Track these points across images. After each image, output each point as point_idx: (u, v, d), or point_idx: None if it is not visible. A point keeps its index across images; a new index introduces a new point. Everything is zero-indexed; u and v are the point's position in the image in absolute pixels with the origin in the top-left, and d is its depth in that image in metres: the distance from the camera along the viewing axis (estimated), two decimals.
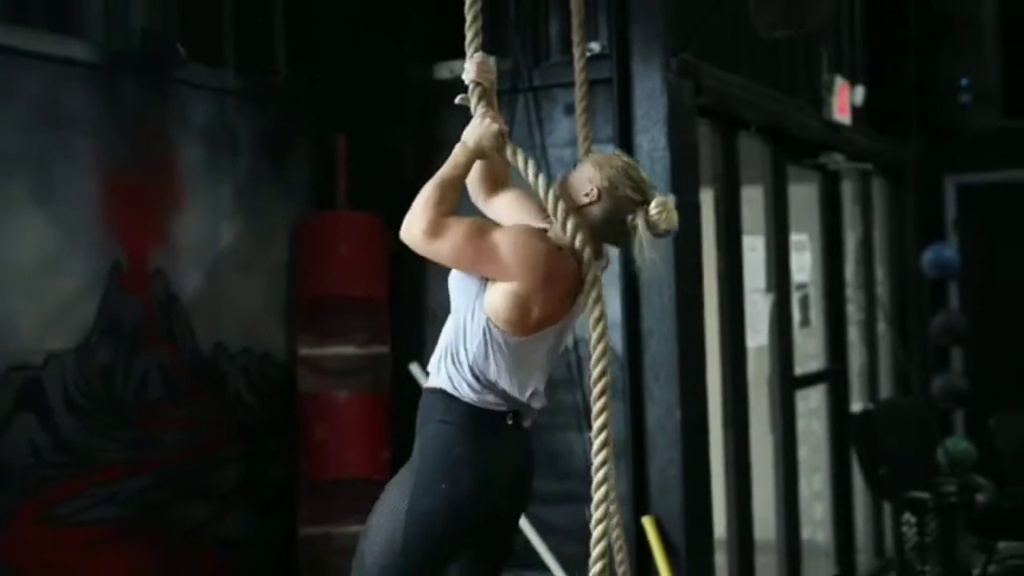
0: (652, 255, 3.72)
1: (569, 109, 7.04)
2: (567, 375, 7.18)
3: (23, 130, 5.87)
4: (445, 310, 3.91)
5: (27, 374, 5.81)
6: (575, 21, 5.83)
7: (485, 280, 3.63)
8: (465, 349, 3.66)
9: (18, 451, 5.75)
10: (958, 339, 11.64)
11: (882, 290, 11.22)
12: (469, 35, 4.15)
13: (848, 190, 10.51)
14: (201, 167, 6.87)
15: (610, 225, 3.74)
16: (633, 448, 6.86)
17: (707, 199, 7.71)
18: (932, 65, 11.75)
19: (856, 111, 9.93)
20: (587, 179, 3.75)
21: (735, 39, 7.70)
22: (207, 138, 6.91)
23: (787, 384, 8.73)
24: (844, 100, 9.52)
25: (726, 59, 7.62)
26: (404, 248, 7.35)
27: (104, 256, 6.26)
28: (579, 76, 5.79)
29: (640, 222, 3.70)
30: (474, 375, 3.66)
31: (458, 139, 3.90)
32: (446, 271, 3.95)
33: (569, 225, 3.68)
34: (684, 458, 6.82)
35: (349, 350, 7.19)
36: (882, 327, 11.09)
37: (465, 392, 3.67)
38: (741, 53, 7.94)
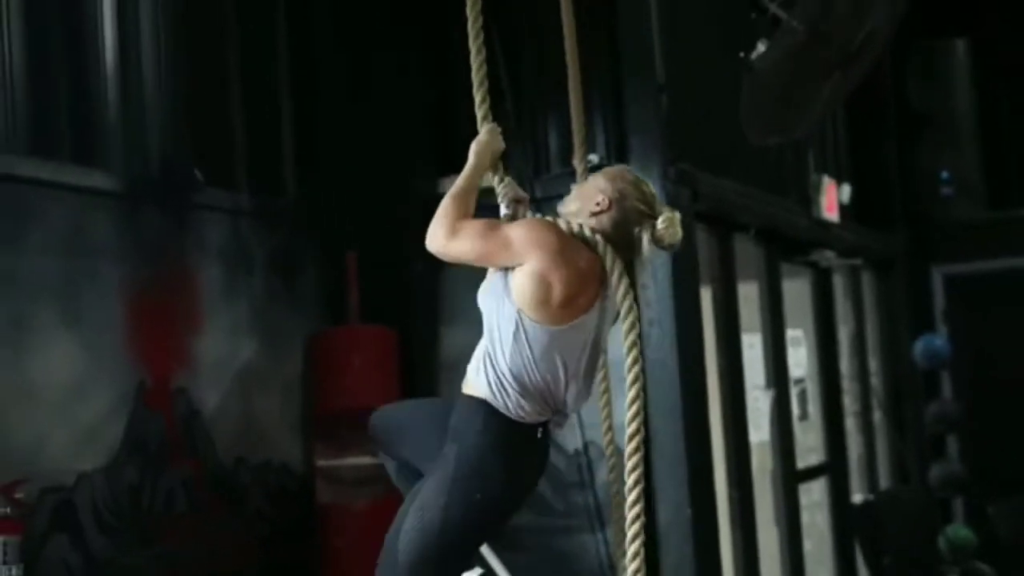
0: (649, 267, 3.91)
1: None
2: (578, 477, 7.37)
3: (52, 258, 6.10)
4: None
5: (60, 496, 5.98)
6: (576, 137, 6.10)
7: (507, 280, 3.72)
8: (501, 351, 3.71)
9: (53, 572, 5.90)
10: (952, 427, 11.83)
11: (876, 381, 11.47)
12: (477, 99, 4.14)
13: (839, 285, 10.80)
14: (218, 287, 7.11)
15: (618, 235, 3.82)
16: (646, 548, 7.01)
17: (706, 298, 7.96)
18: (914, 160, 12.12)
19: (843, 208, 10.25)
20: (598, 190, 3.85)
21: (727, 145, 8.00)
22: (224, 259, 7.15)
23: (789, 478, 8.92)
24: (832, 198, 9.84)
25: (720, 165, 7.92)
26: (416, 358, 7.64)
27: (129, 377, 6.47)
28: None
29: (647, 235, 3.81)
30: (513, 377, 3.69)
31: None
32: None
33: (579, 221, 3.81)
34: (696, 556, 6.98)
35: (365, 460, 7.36)
36: (878, 417, 11.32)
37: (503, 402, 3.71)
38: (733, 158, 8.25)
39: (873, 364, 11.40)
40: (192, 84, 7.13)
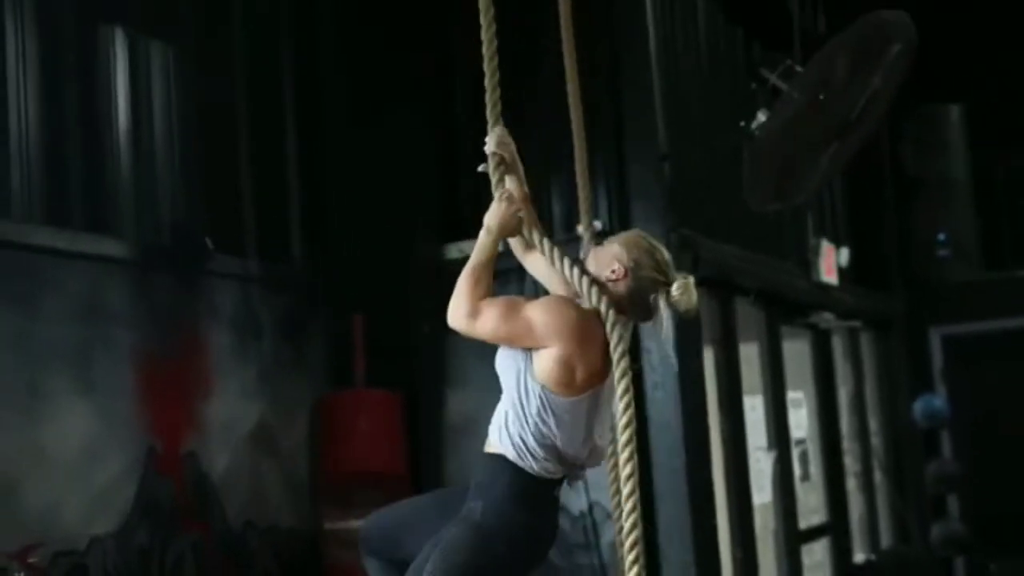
0: (668, 334, 3.90)
1: None
2: (583, 538, 7.44)
3: (66, 324, 6.21)
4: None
5: (73, 559, 6.06)
6: (582, 205, 6.22)
7: (528, 353, 3.80)
8: (525, 420, 3.80)
9: None
10: (953, 486, 11.91)
11: (877, 441, 11.55)
12: (489, 106, 4.16)
13: (839, 346, 10.90)
14: (228, 352, 7.21)
15: (633, 302, 3.90)
16: None
17: (708, 360, 8.06)
18: (911, 223, 12.27)
19: (842, 271, 10.38)
20: (613, 257, 3.91)
21: (728, 211, 8.14)
22: (233, 324, 7.27)
23: (792, 538, 8.99)
24: (830, 262, 9.97)
25: (720, 230, 8.06)
26: (421, 422, 7.73)
27: (140, 442, 6.56)
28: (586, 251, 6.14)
29: (662, 302, 3.88)
30: (537, 443, 3.79)
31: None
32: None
33: (593, 293, 3.86)
34: None
35: None
36: (879, 477, 11.38)
37: (529, 462, 3.79)
38: (734, 223, 8.38)
39: (873, 424, 11.49)
40: (202, 154, 7.27)
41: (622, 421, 3.81)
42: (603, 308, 3.84)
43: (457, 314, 3.85)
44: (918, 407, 11.69)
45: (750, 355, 8.90)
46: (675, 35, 8.45)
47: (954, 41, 12.24)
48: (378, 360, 7.77)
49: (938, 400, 11.87)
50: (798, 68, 6.87)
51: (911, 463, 11.74)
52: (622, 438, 3.82)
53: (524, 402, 3.80)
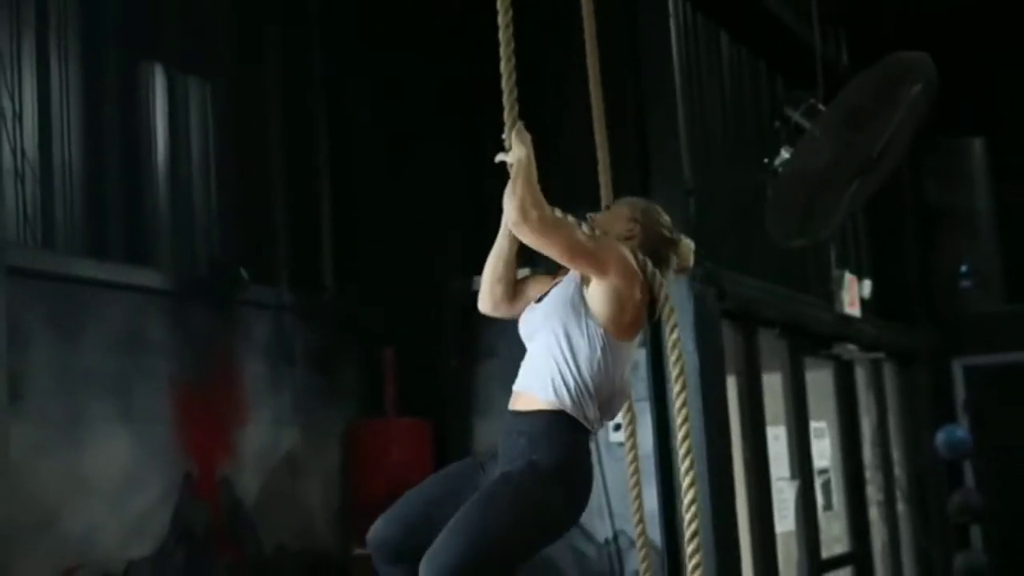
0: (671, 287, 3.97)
1: None
2: (608, 567, 7.56)
3: (108, 354, 6.39)
4: None
5: None
6: None
7: (582, 299, 3.82)
8: (582, 364, 3.79)
9: None
10: (976, 517, 11.96)
11: (899, 471, 11.63)
12: (507, 108, 4.03)
13: (861, 377, 11.01)
14: (262, 380, 7.38)
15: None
16: None
17: (731, 391, 8.19)
18: (933, 255, 12.37)
19: (865, 303, 10.48)
20: (625, 219, 4.01)
21: (752, 245, 8.28)
22: (267, 353, 7.44)
23: (815, 568, 9.08)
24: (853, 294, 10.09)
25: (744, 264, 8.20)
26: (450, 449, 7.87)
27: (177, 468, 6.72)
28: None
29: (672, 255, 4.02)
30: (595, 387, 3.79)
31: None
32: None
33: (624, 247, 3.88)
34: None
35: None
36: (902, 507, 11.46)
37: (582, 411, 3.79)
38: (757, 257, 8.52)
39: (896, 454, 11.57)
40: (237, 187, 7.46)
41: (676, 389, 4.06)
42: (640, 256, 3.89)
43: (530, 215, 3.69)
44: (941, 438, 11.75)
45: (773, 385, 9.02)
46: (699, 71, 8.62)
47: (976, 75, 12.39)
48: (408, 389, 7.93)
49: (961, 431, 11.93)
50: (820, 106, 7.04)
51: (934, 493, 11.82)
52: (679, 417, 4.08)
53: (580, 346, 3.79)
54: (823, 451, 9.87)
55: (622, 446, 5.40)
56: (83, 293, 6.32)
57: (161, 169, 7.01)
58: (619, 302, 3.78)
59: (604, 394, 3.83)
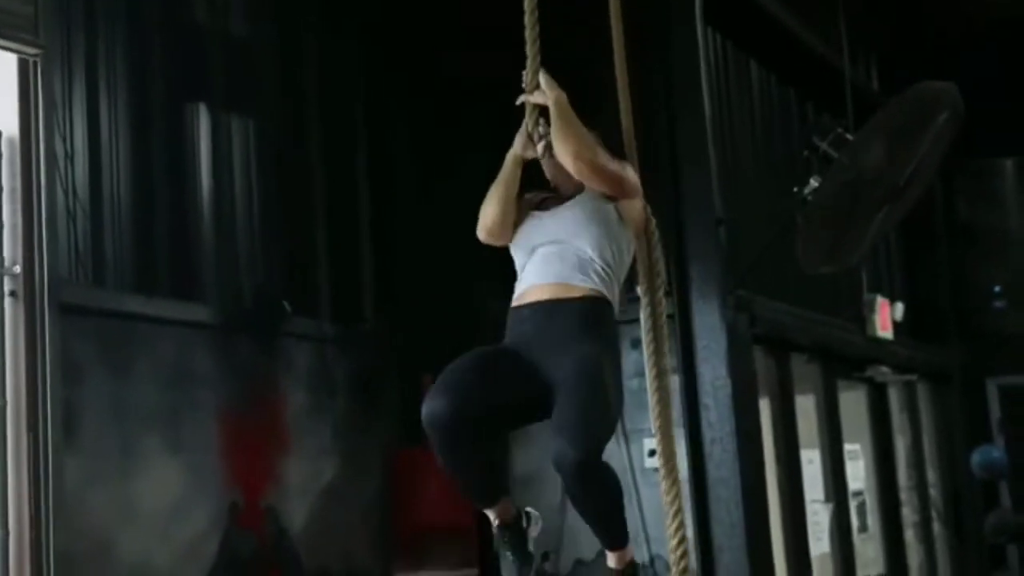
0: None
1: (635, 343, 7.71)
2: None
3: (158, 388, 6.60)
4: None
5: None
6: (640, 268, 6.51)
7: (616, 211, 4.26)
8: (616, 259, 4.22)
9: None
10: (1013, 537, 11.99)
11: (935, 492, 11.69)
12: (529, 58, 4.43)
13: (895, 398, 11.08)
14: (304, 410, 7.57)
15: None
16: None
17: (765, 415, 8.30)
18: (966, 275, 12.44)
19: (897, 325, 10.57)
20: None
21: (782, 271, 8.39)
22: (309, 383, 7.63)
23: None
24: (885, 317, 10.19)
25: (775, 289, 8.32)
26: None
27: (224, 498, 6.92)
28: (647, 313, 6.37)
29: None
30: (618, 277, 4.26)
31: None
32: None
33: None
34: None
35: (442, 574, 7.74)
36: (937, 528, 11.52)
37: (612, 295, 4.23)
38: (789, 282, 8.64)
39: (931, 476, 11.63)
40: (280, 223, 7.67)
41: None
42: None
43: (593, 150, 4.22)
44: (976, 458, 11.78)
45: (807, 408, 9.12)
46: (729, 99, 8.76)
47: (1006, 96, 12.45)
48: None
49: (996, 451, 11.96)
50: (849, 136, 7.16)
51: (970, 514, 11.86)
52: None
53: (617, 246, 4.24)
54: (857, 473, 9.95)
55: (656, 471, 5.51)
56: (133, 328, 6.55)
57: (206, 206, 7.22)
58: (644, 214, 4.38)
59: (621, 281, 4.29)
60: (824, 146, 7.10)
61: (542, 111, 4.40)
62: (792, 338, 8.52)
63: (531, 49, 4.41)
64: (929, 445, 11.71)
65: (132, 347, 6.51)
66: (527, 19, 4.40)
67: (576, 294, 4.15)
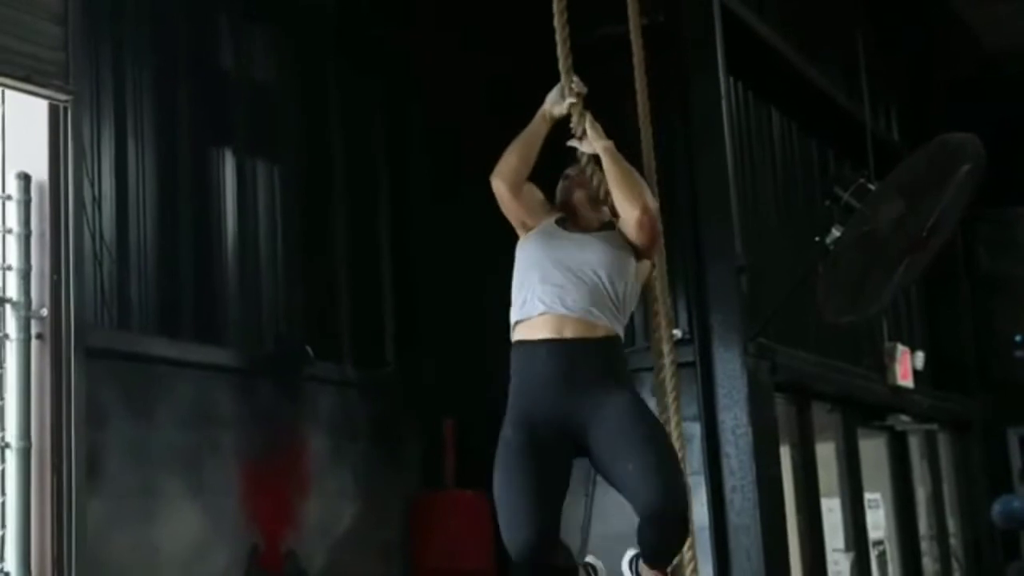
0: None
1: (653, 391, 7.72)
2: None
3: (180, 430, 6.63)
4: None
5: None
6: (663, 316, 6.53)
7: (633, 261, 4.33)
8: (624, 303, 4.28)
9: None
10: None
11: (955, 542, 11.64)
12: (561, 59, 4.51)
13: (915, 447, 11.06)
14: (326, 454, 7.60)
15: None
16: None
17: (785, 463, 8.30)
18: (987, 324, 12.44)
19: (918, 373, 10.57)
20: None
21: (803, 319, 8.42)
22: (331, 427, 7.66)
23: None
24: (906, 366, 10.19)
25: (796, 338, 8.35)
26: None
27: (244, 541, 6.93)
28: (667, 359, 6.36)
29: None
30: (625, 320, 4.35)
31: None
32: None
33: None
34: None
35: None
36: None
37: (621, 335, 4.34)
38: (809, 330, 8.66)
39: (952, 525, 11.60)
40: (302, 268, 7.72)
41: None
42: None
43: (653, 207, 4.33)
44: (997, 508, 11.72)
45: (827, 456, 9.12)
46: (751, 149, 8.82)
47: None
48: (468, 461, 8.10)
49: (1017, 501, 11.89)
50: (870, 186, 7.20)
51: (990, 564, 11.80)
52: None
53: (629, 295, 4.32)
54: (878, 522, 9.93)
55: None
56: (156, 371, 6.58)
57: (230, 251, 7.28)
58: (651, 273, 4.51)
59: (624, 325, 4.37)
60: (846, 196, 7.14)
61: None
62: (813, 386, 8.54)
63: (576, 106, 4.41)
64: (950, 494, 11.68)
65: (156, 390, 6.55)
66: (560, 49, 4.44)
67: (598, 333, 4.16)
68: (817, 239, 7.23)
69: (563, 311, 4.17)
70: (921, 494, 11.04)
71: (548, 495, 4.08)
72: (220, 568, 6.78)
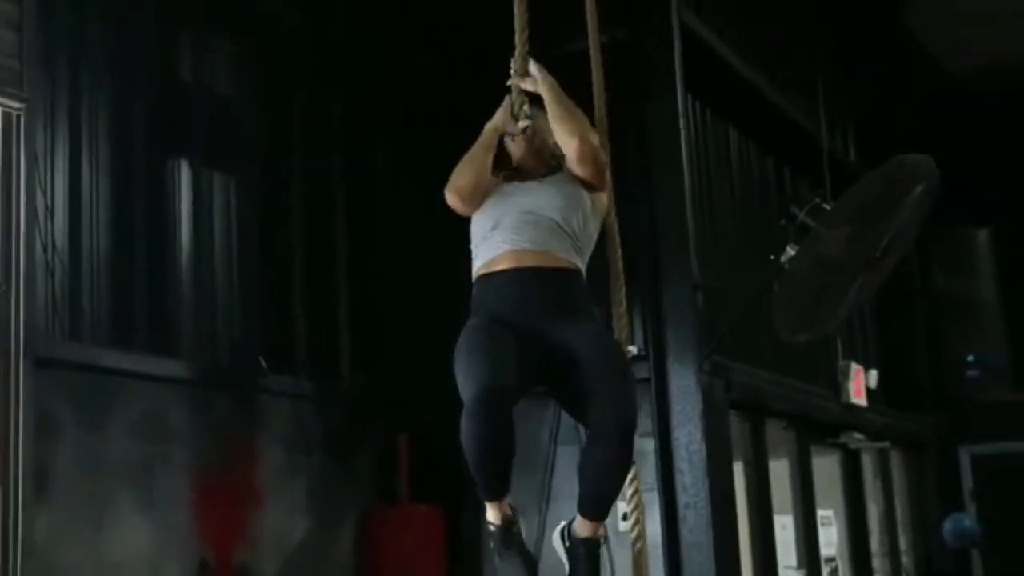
0: None
1: None
2: None
3: (132, 443, 6.56)
4: None
5: None
6: (620, 333, 6.54)
7: (592, 201, 4.37)
8: (583, 239, 4.31)
9: None
10: None
11: (906, 560, 11.71)
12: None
13: (868, 465, 11.12)
14: (279, 468, 7.55)
15: None
16: None
17: (739, 481, 8.32)
18: (940, 344, 12.53)
19: (871, 392, 10.63)
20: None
21: (759, 337, 8.45)
22: (284, 441, 7.61)
23: None
24: (860, 384, 10.25)
25: (752, 355, 8.37)
26: (464, 536, 7.98)
27: (196, 555, 6.87)
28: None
29: None
30: (587, 255, 4.38)
31: None
32: None
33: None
34: None
35: None
36: None
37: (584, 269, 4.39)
38: (764, 348, 8.69)
39: (903, 543, 11.66)
40: (258, 279, 7.69)
41: None
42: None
43: (592, 136, 4.41)
44: (948, 526, 11.81)
45: (780, 473, 9.15)
46: (708, 167, 8.85)
47: (983, 166, 12.61)
48: (422, 476, 8.07)
49: (968, 519, 11.99)
50: (826, 206, 7.25)
51: None
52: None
53: (588, 229, 4.36)
54: (830, 539, 9.97)
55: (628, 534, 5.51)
56: (108, 382, 6.51)
57: (185, 262, 7.23)
58: (610, 207, 4.53)
59: (586, 263, 4.39)
60: (801, 215, 7.18)
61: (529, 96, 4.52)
62: (767, 404, 8.57)
63: (520, 36, 4.52)
64: (902, 512, 11.75)
65: (107, 401, 6.48)
66: (516, 6, 4.49)
67: (559, 264, 4.23)
68: (772, 258, 7.26)
69: (525, 246, 4.24)
70: (873, 511, 11.09)
71: (505, 361, 4.02)
72: None
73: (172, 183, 7.26)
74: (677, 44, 8.01)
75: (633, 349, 7.62)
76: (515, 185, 4.42)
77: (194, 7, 7.53)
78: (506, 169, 4.55)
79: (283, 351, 7.81)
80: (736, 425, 8.34)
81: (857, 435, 10.26)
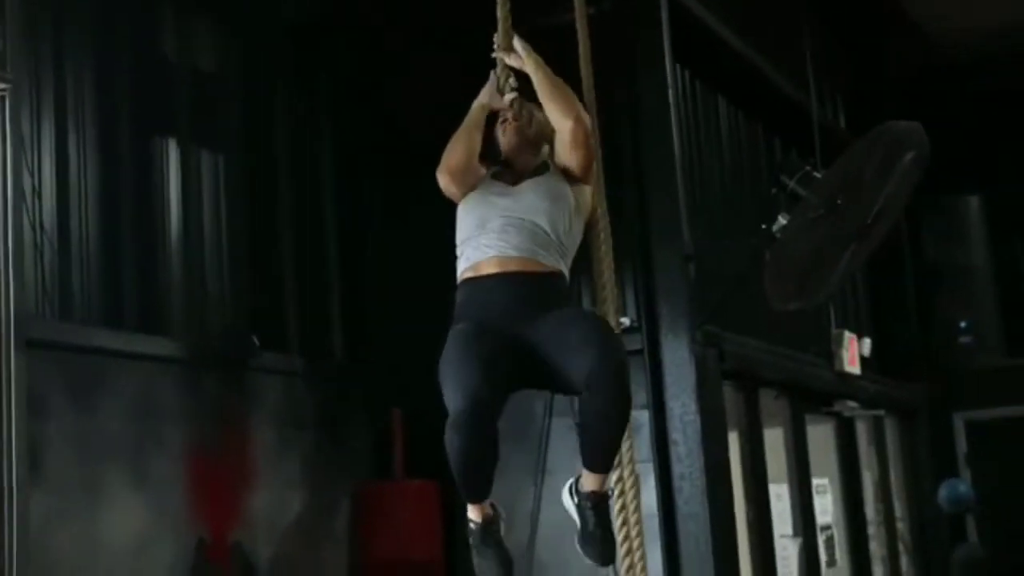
0: None
1: None
2: None
3: (124, 423, 6.55)
4: None
5: None
6: (610, 304, 6.53)
7: (576, 200, 4.41)
8: (567, 242, 4.36)
9: None
10: (979, 571, 12.02)
11: (902, 526, 11.75)
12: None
13: (863, 433, 11.14)
14: (273, 445, 7.55)
15: None
16: None
17: (733, 450, 8.32)
18: (933, 311, 12.54)
19: (865, 360, 10.64)
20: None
21: (751, 307, 8.43)
22: (277, 418, 7.61)
23: None
24: (853, 352, 10.25)
25: (744, 325, 8.37)
26: (458, 510, 7.97)
27: (191, 533, 6.87)
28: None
29: None
30: (571, 256, 4.44)
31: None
32: None
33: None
34: None
35: None
36: (905, 562, 11.56)
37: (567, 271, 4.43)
38: (757, 318, 8.68)
39: (899, 510, 11.69)
40: (249, 256, 7.66)
41: None
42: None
43: (586, 121, 4.40)
44: (943, 492, 11.83)
45: (775, 442, 9.16)
46: (698, 137, 8.83)
47: (973, 133, 12.61)
48: (416, 451, 8.07)
49: (963, 485, 12.01)
50: (816, 174, 7.23)
51: (937, 548, 11.91)
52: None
53: (572, 229, 4.40)
54: (825, 508, 9.99)
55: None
56: (99, 363, 6.49)
57: (174, 241, 7.20)
58: (594, 203, 4.58)
59: (570, 264, 4.45)
60: (792, 184, 7.16)
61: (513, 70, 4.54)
62: (761, 373, 8.57)
63: (502, 9, 4.54)
64: (896, 479, 11.77)
65: (99, 381, 6.47)
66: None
67: (542, 269, 4.27)
68: (764, 227, 7.25)
69: (511, 252, 4.26)
70: (868, 479, 11.12)
71: (491, 370, 4.03)
72: (166, 562, 6.72)
73: (160, 162, 7.22)
74: (664, 14, 7.97)
75: (625, 321, 7.62)
76: (502, 187, 4.43)
77: None
78: (495, 163, 4.55)
79: (274, 328, 7.79)
80: (730, 395, 8.34)
81: (851, 403, 10.27)
